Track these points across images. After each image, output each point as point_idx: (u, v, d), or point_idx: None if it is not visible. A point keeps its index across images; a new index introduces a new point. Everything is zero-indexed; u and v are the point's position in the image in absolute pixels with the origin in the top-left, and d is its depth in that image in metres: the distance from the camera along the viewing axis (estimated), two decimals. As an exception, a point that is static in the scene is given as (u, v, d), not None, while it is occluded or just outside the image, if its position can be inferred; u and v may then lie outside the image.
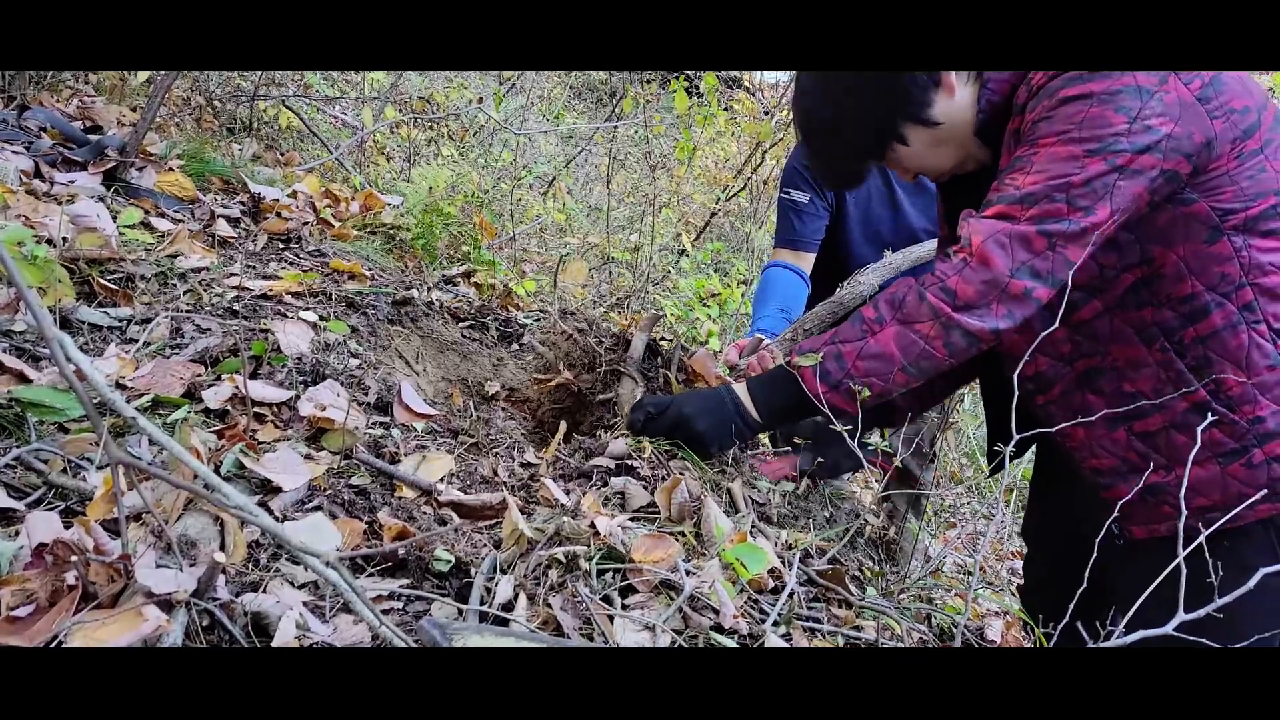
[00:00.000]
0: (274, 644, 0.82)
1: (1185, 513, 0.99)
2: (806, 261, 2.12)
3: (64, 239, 1.53)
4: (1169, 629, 0.86)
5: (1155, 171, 1.06)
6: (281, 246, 2.05)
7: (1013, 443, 1.09)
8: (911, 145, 1.24)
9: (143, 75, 2.81)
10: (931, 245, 1.93)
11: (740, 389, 1.40)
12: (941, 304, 1.16)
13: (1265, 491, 1.12)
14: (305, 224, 2.18)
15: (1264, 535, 1.16)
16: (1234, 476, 1.15)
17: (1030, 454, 1.62)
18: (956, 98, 1.21)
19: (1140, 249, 1.14)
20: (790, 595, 1.10)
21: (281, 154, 3.28)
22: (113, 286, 1.50)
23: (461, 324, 1.93)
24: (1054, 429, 1.26)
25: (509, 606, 0.96)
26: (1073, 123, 1.07)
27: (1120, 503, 1.15)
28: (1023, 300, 1.13)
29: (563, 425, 1.56)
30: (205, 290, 1.60)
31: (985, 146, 1.25)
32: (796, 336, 1.67)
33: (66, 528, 0.87)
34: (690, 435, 1.38)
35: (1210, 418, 1.14)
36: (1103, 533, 1.09)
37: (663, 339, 2.11)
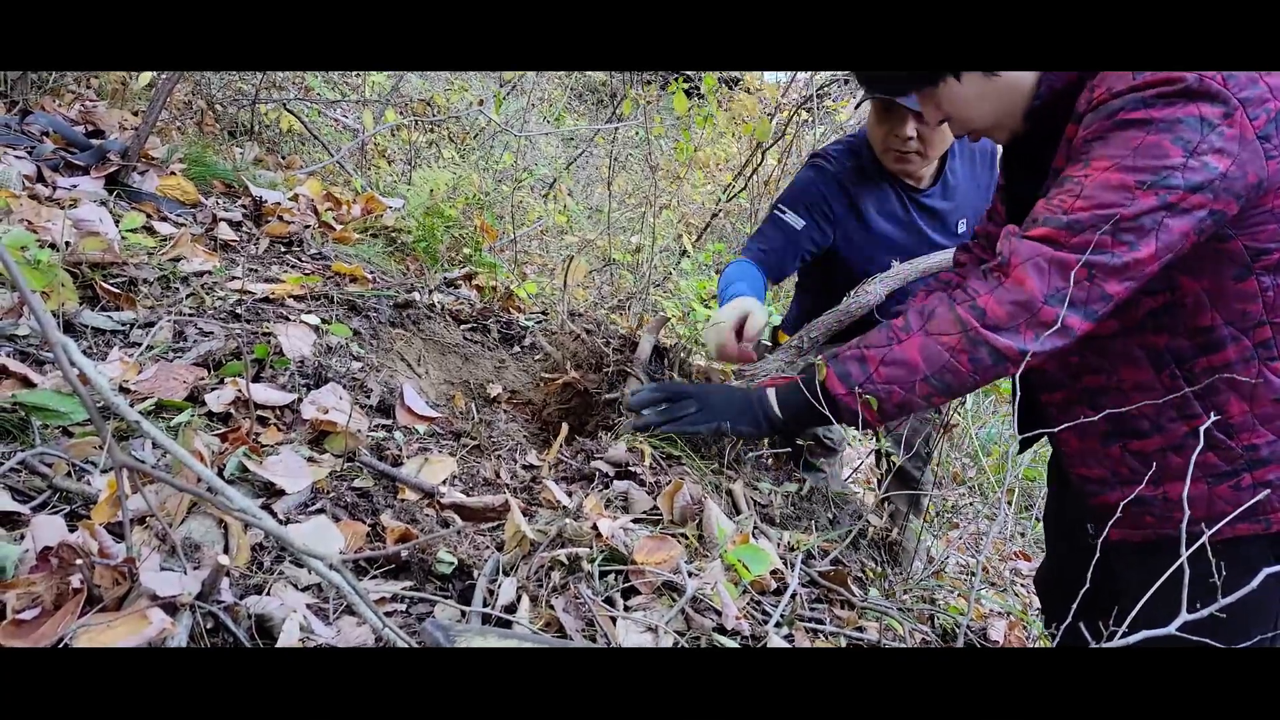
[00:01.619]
0: (278, 646, 0.82)
1: (1188, 515, 0.99)
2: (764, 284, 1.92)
3: (67, 243, 1.53)
4: (1172, 629, 0.86)
5: (1204, 212, 1.03)
6: (283, 250, 2.05)
7: (1014, 445, 1.09)
8: (963, 85, 1.20)
9: (145, 79, 2.82)
10: (940, 256, 1.90)
11: (769, 391, 1.38)
12: (970, 318, 1.14)
13: (1246, 506, 1.11)
14: (307, 227, 2.18)
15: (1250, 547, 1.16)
16: (1220, 497, 1.16)
17: (1032, 454, 1.63)
18: None
19: (1167, 277, 1.12)
20: (793, 596, 1.10)
21: (283, 157, 3.29)
22: (115, 290, 1.51)
23: (463, 326, 1.93)
24: (1054, 430, 1.27)
25: (512, 608, 0.96)
26: (1128, 149, 1.03)
27: (1106, 508, 1.16)
28: (1053, 327, 1.10)
29: (564, 427, 1.56)
30: (207, 294, 1.60)
31: (1027, 125, 1.22)
32: (802, 344, 1.67)
33: (71, 531, 0.87)
34: (702, 409, 1.37)
35: (1206, 426, 1.13)
36: (1091, 536, 1.10)
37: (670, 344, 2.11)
